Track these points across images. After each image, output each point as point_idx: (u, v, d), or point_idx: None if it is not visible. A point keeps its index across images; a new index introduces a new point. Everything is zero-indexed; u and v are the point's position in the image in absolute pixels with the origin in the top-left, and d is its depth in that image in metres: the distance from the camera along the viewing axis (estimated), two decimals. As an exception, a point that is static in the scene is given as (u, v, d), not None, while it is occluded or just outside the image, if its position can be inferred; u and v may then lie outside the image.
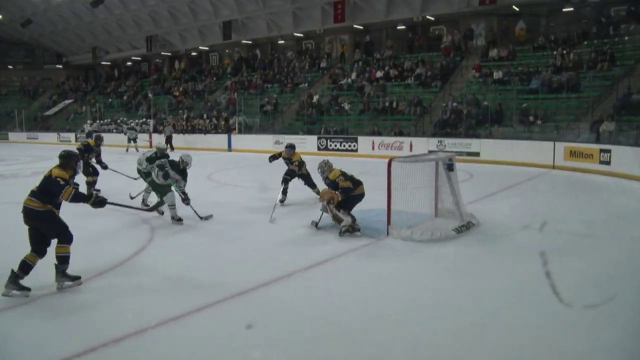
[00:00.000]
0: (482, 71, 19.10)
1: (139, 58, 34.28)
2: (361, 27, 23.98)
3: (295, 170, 8.25)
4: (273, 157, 8.68)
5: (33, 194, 4.41)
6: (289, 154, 8.44)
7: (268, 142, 20.13)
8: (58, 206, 4.47)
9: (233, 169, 14.36)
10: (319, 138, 19.25)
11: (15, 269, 4.32)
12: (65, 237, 4.44)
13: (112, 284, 4.59)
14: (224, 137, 21.96)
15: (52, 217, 4.41)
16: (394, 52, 23.06)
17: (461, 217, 6.64)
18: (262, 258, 5.42)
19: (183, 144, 22.09)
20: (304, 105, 22.04)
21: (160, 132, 23.98)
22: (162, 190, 7.04)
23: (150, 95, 29.61)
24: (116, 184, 8.61)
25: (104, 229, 6.69)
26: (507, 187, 10.33)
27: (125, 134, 23.05)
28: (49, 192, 4.38)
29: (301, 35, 26.29)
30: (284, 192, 8.35)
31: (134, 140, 21.77)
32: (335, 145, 18.71)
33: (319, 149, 18.97)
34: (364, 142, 18.09)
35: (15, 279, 4.31)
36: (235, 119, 22.60)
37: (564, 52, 17.71)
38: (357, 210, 6.77)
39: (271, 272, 4.87)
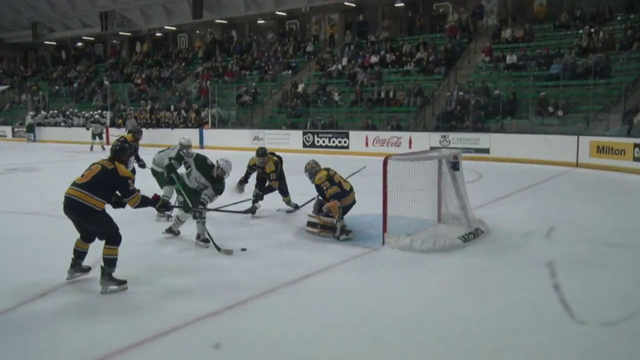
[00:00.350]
0: (494, 55, 19.29)
1: (92, 38, 34.02)
2: (353, 5, 24.10)
3: (274, 186, 7.96)
4: (244, 182, 7.84)
5: (87, 187, 4.64)
6: (263, 163, 7.89)
7: (246, 138, 20.14)
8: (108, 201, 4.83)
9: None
10: (304, 133, 19.28)
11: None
12: (116, 238, 4.79)
13: (55, 306, 4.50)
14: (195, 132, 21.88)
15: (107, 218, 4.78)
16: (391, 34, 23.19)
17: (468, 224, 6.68)
18: (239, 271, 5.40)
19: (147, 140, 21.70)
20: (287, 95, 22.05)
21: (119, 126, 23.80)
22: (193, 198, 6.38)
23: (106, 82, 29.39)
24: (152, 184, 8.13)
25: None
26: (522, 189, 10.43)
27: (88, 128, 22.72)
28: (112, 188, 4.74)
29: (284, 14, 26.33)
30: (256, 199, 8.04)
31: (99, 136, 21.52)
32: (324, 142, 18.77)
33: (304, 145, 19.00)
34: (357, 138, 18.15)
35: (75, 264, 4.97)
36: (207, 112, 22.55)
37: (592, 30, 17.81)
38: (347, 215, 6.81)
39: (250, 287, 4.86)
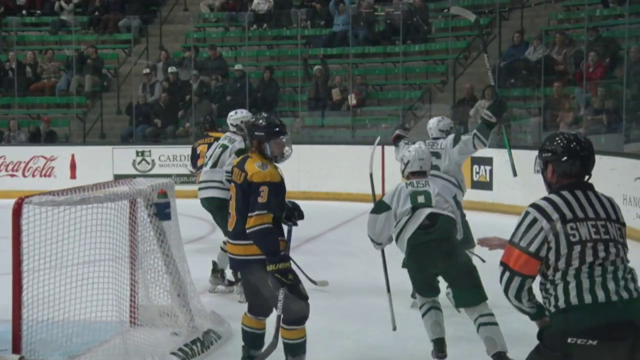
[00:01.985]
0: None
1: None
2: None
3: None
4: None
5: (236, 235, 5.38)
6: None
7: None
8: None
9: None
10: None
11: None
12: (301, 316, 5.41)
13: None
14: None
15: (263, 268, 5.38)
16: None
17: (190, 323, 6.63)
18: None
19: None
20: None
21: None
22: None
23: None
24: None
25: None
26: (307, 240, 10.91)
27: None
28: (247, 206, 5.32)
29: None
30: None
31: None
32: None
33: None
34: None
35: (248, 357, 5.67)
36: None
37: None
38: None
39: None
